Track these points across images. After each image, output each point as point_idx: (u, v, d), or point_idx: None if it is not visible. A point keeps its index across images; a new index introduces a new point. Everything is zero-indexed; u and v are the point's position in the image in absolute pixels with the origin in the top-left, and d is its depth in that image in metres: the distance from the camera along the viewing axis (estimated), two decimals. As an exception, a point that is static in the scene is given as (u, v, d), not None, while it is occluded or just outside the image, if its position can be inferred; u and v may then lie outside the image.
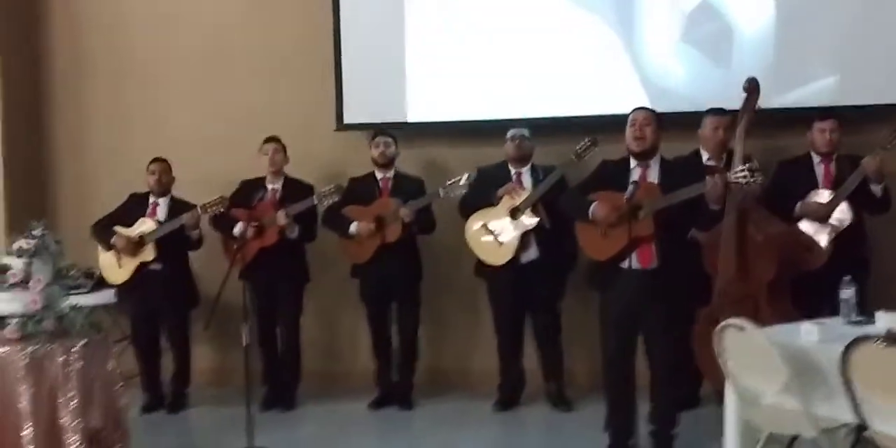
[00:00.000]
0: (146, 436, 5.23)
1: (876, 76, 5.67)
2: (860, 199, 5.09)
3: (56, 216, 6.62)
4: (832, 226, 5.07)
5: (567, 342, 5.82)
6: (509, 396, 5.84)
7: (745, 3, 5.88)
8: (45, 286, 4.35)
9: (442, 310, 6.33)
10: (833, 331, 3.80)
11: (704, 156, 5.38)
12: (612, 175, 4.60)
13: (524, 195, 5.54)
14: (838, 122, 5.24)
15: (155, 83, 6.78)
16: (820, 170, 5.27)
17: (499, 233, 5.58)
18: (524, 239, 5.53)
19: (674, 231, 4.49)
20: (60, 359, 4.22)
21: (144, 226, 5.84)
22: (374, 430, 5.63)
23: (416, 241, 5.90)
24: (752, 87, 4.83)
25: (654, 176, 4.54)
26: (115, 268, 5.88)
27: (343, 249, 5.90)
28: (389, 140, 5.93)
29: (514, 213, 5.54)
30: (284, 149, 5.97)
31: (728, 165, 4.81)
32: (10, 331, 4.30)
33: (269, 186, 5.90)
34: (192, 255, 6.03)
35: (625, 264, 4.43)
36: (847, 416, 3.50)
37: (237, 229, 5.64)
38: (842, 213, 5.07)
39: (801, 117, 5.46)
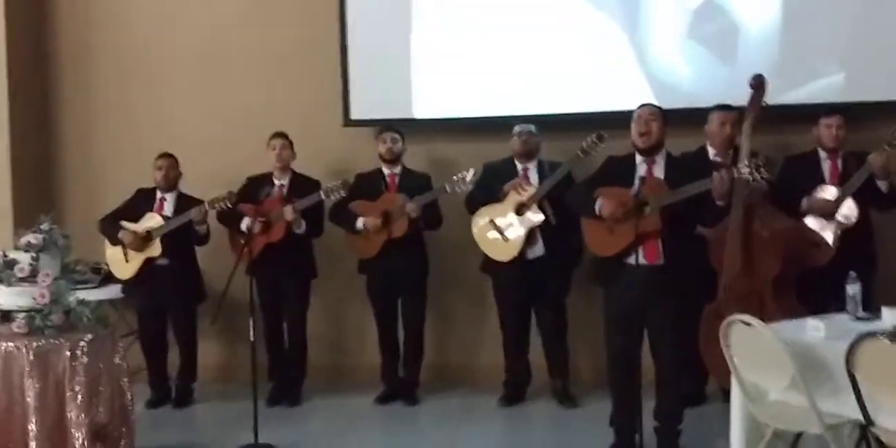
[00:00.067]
0: (152, 431, 5.23)
1: (882, 73, 5.67)
2: (866, 196, 5.10)
3: (63, 211, 6.61)
4: (838, 222, 5.07)
5: (572, 338, 5.82)
6: (515, 392, 5.84)
7: (750, -1, 5.89)
8: (53, 281, 4.38)
9: (448, 305, 6.34)
10: (839, 327, 3.80)
11: (711, 152, 5.37)
12: (618, 171, 4.58)
13: (530, 191, 5.54)
14: (844, 119, 5.25)
15: (161, 80, 6.77)
16: (826, 166, 5.27)
17: (505, 229, 5.59)
18: (530, 235, 5.53)
19: (680, 227, 4.48)
20: (67, 353, 4.24)
21: (152, 221, 5.84)
22: (379, 426, 5.63)
23: (422, 237, 5.89)
24: (759, 83, 4.84)
25: (659, 172, 4.53)
26: (122, 263, 5.89)
27: (350, 245, 5.90)
28: (396, 136, 5.93)
29: (521, 209, 5.54)
30: (291, 144, 5.97)
31: (734, 161, 4.82)
32: (18, 325, 4.33)
33: (277, 182, 5.90)
34: (199, 250, 6.02)
35: (631, 260, 4.42)
36: (853, 413, 3.50)
37: (244, 224, 5.65)
38: (848, 210, 5.07)
39: (807, 113, 5.46)
